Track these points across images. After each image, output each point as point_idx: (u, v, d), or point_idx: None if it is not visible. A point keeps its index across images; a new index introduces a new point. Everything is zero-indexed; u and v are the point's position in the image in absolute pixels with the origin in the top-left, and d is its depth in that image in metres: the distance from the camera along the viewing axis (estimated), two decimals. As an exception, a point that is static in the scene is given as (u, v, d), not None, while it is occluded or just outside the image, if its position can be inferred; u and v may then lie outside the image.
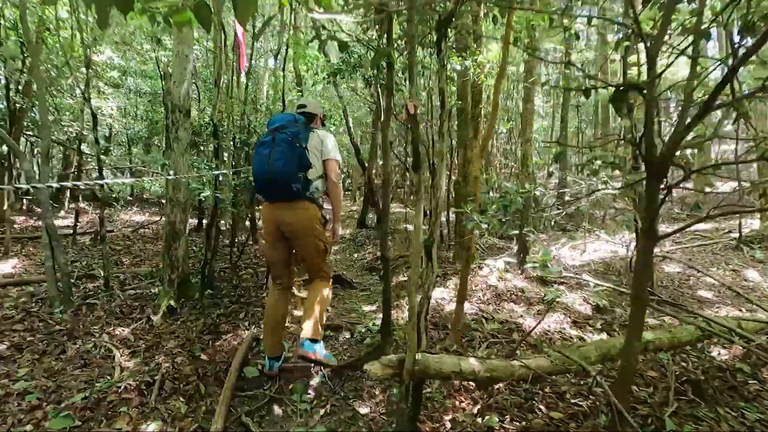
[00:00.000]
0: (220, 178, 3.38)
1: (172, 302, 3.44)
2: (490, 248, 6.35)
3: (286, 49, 3.89)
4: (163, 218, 3.52)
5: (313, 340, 2.40)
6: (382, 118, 2.98)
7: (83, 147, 7.80)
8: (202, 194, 2.93)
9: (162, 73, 4.05)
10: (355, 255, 6.59)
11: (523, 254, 5.83)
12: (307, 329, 2.41)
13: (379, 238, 5.15)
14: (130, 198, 8.10)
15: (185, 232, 3.62)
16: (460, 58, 4.29)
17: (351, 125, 7.94)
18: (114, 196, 8.32)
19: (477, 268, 4.88)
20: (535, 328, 3.08)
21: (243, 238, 5.72)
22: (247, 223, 5.85)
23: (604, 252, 6.13)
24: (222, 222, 4.05)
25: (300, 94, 4.59)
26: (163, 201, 5.53)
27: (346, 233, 8.47)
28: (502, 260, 4.76)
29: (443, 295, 4.15)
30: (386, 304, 2.93)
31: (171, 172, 3.43)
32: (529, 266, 4.84)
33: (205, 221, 5.10)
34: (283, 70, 3.94)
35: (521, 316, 3.66)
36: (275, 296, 2.68)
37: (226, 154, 4.01)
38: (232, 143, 4.62)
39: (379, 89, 4.45)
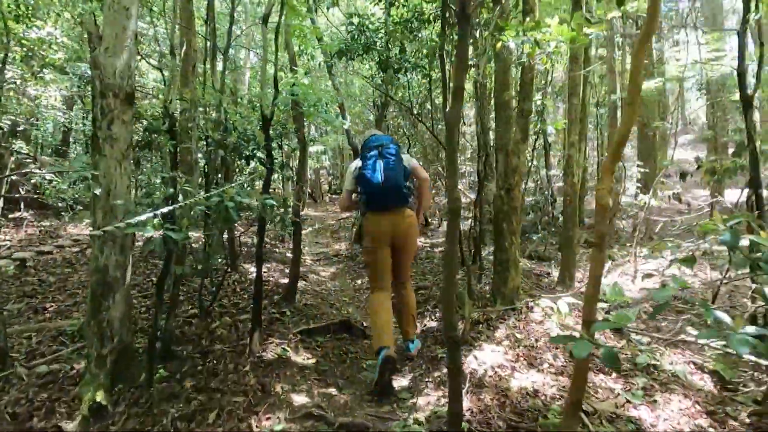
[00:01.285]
0: (180, 200, 2.10)
1: (100, 395, 2.16)
2: (525, 275, 5.21)
3: (281, 9, 2.64)
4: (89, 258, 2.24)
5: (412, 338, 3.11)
6: (449, 109, 1.78)
7: (23, 145, 6.32)
8: (144, 232, 1.67)
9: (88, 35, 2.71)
10: (358, 281, 5.36)
11: (567, 277, 4.73)
12: (411, 331, 3.10)
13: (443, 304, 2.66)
14: (81, 208, 6.65)
15: (125, 282, 2.33)
16: (516, 34, 3.13)
17: (348, 122, 6.70)
18: (64, 203, 6.84)
19: (525, 308, 3.74)
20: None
21: (221, 264, 4.44)
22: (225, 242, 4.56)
23: (659, 277, 5.09)
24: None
25: (295, 76, 3.33)
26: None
27: (341, 248, 7.24)
28: (563, 300, 3.62)
29: (498, 359, 2.97)
30: (455, 394, 1.81)
31: (98, 190, 2.14)
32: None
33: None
34: (276, 38, 2.70)
35: (627, 400, 2.51)
36: (382, 298, 2.95)
37: (200, 160, 2.76)
38: (204, 143, 3.34)
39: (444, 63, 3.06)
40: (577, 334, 3.34)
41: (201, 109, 4.67)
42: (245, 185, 3.24)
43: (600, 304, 3.70)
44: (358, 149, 6.96)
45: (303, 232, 9.81)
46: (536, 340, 3.22)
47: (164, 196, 2.11)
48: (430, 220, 9.13)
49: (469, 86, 8.54)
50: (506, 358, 2.98)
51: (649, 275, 5.20)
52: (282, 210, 2.96)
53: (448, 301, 1.90)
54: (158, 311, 2.22)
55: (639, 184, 7.97)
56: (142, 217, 1.73)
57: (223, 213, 1.94)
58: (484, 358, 2.98)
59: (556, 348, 3.10)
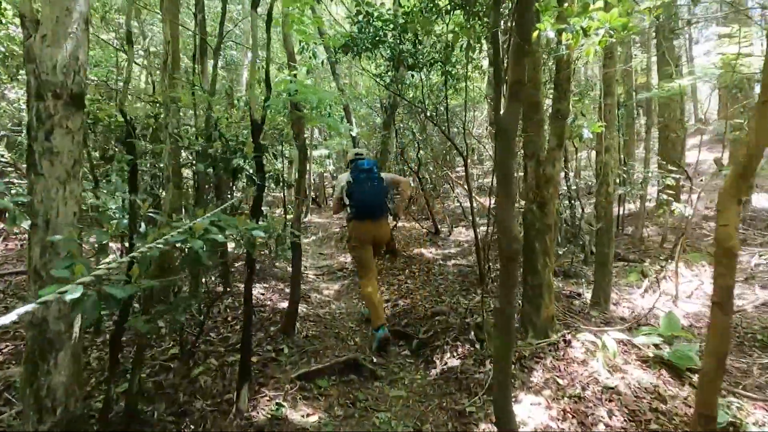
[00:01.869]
0: (134, 240, 1.57)
1: (33, 491, 1.63)
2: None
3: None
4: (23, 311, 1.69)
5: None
6: (504, 111, 1.22)
7: (4, 152, 5.83)
8: (68, 297, 1.13)
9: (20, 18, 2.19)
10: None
11: (602, 299, 4.17)
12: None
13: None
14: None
15: (72, 337, 1.80)
16: (556, 21, 2.59)
17: (355, 128, 6.17)
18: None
19: (562, 343, 3.18)
20: None
21: (213, 288, 3.92)
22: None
23: (702, 297, 4.52)
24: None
25: (294, 75, 2.80)
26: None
27: (346, 261, 6.70)
28: (610, 336, 3.06)
29: (540, 416, 2.41)
30: None
31: (27, 223, 1.62)
32: (642, 339, 3.16)
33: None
34: (268, 24, 2.17)
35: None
36: (372, 283, 3.74)
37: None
38: (190, 155, 2.82)
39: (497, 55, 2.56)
40: (630, 378, 2.78)
41: (190, 113, 4.16)
42: (230, 208, 2.70)
43: (652, 338, 3.14)
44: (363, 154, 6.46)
45: (305, 241, 9.29)
46: (583, 388, 2.66)
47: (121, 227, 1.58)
48: (440, 227, 8.57)
49: (484, 85, 8.03)
50: (551, 415, 2.42)
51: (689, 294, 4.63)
52: (277, 231, 2.42)
53: (503, 388, 1.36)
54: (111, 377, 1.68)
55: (655, 188, 7.37)
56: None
57: (191, 255, 1.41)
58: (524, 414, 2.43)
59: (610, 400, 2.55)
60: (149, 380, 2.50)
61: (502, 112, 1.37)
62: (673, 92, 6.74)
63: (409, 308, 4.26)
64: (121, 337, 1.71)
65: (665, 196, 5.55)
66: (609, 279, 4.20)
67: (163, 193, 1.85)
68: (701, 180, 9.05)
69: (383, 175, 3.80)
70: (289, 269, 6.06)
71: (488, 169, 14.50)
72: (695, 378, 2.87)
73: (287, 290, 4.83)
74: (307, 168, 12.42)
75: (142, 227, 1.66)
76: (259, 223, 2.45)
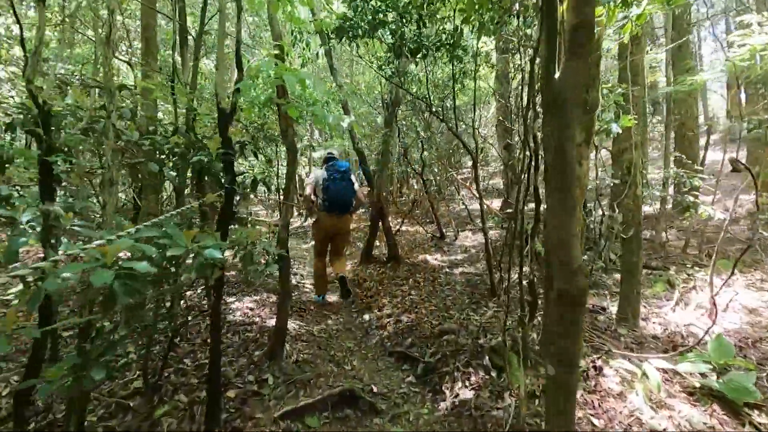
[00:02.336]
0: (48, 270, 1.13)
1: None
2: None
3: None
4: None
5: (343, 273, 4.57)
6: (563, 68, 0.75)
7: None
8: None
9: None
10: (365, 316, 4.36)
11: (630, 314, 3.71)
12: (342, 269, 4.61)
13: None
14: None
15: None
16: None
17: (352, 118, 5.73)
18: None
19: (593, 370, 2.72)
20: None
21: (194, 305, 3.51)
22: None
23: (741, 311, 4.05)
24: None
25: (277, 56, 2.37)
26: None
27: (347, 268, 6.25)
28: (651, 364, 2.59)
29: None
30: None
31: None
32: (687, 367, 2.69)
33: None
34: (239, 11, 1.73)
35: None
36: (322, 261, 4.59)
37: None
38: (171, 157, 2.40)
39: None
40: (679, 417, 2.31)
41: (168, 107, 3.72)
42: (179, 219, 2.26)
43: (698, 366, 2.67)
44: (363, 154, 6.02)
45: (305, 246, 8.85)
46: (621, 427, 2.20)
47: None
48: (445, 232, 8.10)
49: (491, 81, 7.57)
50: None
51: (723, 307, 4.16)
52: (251, 248, 2.00)
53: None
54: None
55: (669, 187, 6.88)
56: None
57: (105, 290, 0.97)
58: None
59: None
60: (100, 424, 2.06)
61: (557, 73, 0.94)
62: (694, 86, 6.27)
63: (413, 324, 3.81)
64: (28, 395, 1.26)
65: (691, 198, 5.07)
66: (638, 291, 3.73)
67: (108, 199, 1.41)
68: (716, 180, 8.53)
69: (353, 178, 4.39)
70: (294, 279, 5.64)
71: (495, 170, 14.01)
72: (755, 415, 2.40)
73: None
74: (298, 168, 11.97)
75: (63, 244, 1.22)
76: (228, 236, 2.01)
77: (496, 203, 10.42)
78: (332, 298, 4.97)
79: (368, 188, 5.86)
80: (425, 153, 6.52)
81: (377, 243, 6.69)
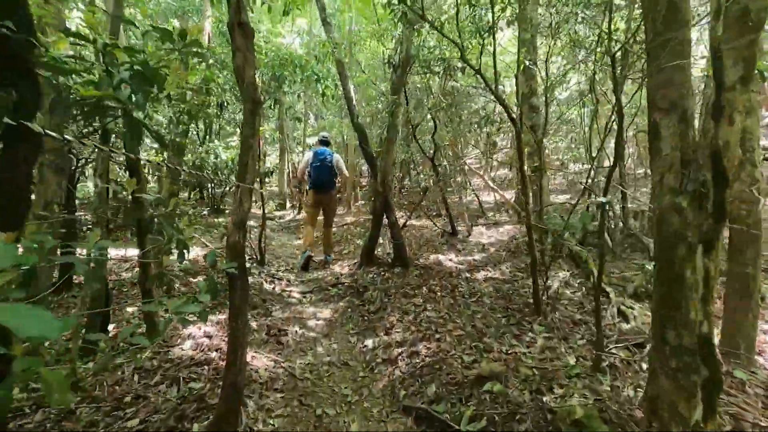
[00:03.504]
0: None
1: None
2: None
3: None
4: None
5: (330, 255, 5.42)
6: None
7: None
8: None
9: None
10: (368, 341, 3.21)
11: (742, 346, 2.61)
12: (329, 250, 5.46)
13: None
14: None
15: None
16: None
17: (353, 94, 4.55)
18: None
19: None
20: None
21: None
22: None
23: None
24: None
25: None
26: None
27: (344, 271, 5.11)
28: None
29: None
30: None
31: None
32: None
33: None
34: None
35: None
36: (311, 229, 5.36)
37: None
38: None
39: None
40: None
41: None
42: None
43: None
44: (364, 132, 4.85)
45: (297, 243, 7.70)
46: None
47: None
48: (456, 226, 6.94)
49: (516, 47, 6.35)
50: None
51: None
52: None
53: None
54: None
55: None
56: None
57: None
58: None
59: None
60: None
61: None
62: None
63: (436, 360, 2.67)
64: None
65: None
66: (755, 315, 2.60)
67: None
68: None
69: (335, 157, 5.12)
70: (272, 287, 4.52)
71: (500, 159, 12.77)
72: None
73: (267, 323, 3.26)
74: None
75: None
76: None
77: (505, 195, 9.25)
78: (326, 312, 3.83)
79: (362, 176, 4.67)
80: (438, 134, 5.33)
81: (380, 240, 5.55)
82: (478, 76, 3.02)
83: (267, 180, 6.20)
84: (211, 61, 3.72)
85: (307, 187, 5.25)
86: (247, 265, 4.48)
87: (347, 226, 8.25)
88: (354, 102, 4.52)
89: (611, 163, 2.95)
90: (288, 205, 10.61)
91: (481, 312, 3.45)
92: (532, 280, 3.25)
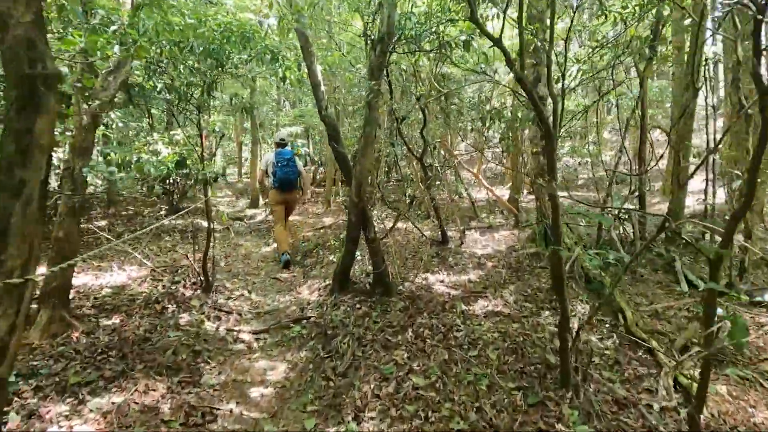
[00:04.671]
0: None
1: None
2: None
3: None
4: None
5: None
6: None
7: None
8: None
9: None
10: (345, 416, 2.24)
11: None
12: (286, 245, 5.31)
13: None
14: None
15: None
16: None
17: (320, 77, 3.49)
18: None
19: None
20: None
21: None
22: None
23: None
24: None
25: None
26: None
27: (312, 298, 4.11)
28: None
29: None
30: None
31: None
32: None
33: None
34: None
35: None
36: (282, 227, 5.31)
37: None
38: None
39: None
40: None
41: None
42: None
43: None
44: (336, 126, 3.80)
45: (266, 250, 6.63)
46: None
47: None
48: (449, 231, 5.99)
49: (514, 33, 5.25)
50: None
51: None
52: None
53: None
54: None
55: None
56: None
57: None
58: None
59: None
60: None
61: None
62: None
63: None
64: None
65: None
66: None
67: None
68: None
69: (297, 161, 5.34)
70: (225, 324, 3.48)
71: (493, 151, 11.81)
72: None
73: (181, 404, 2.25)
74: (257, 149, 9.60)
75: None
76: None
77: (496, 192, 8.33)
78: (281, 367, 2.84)
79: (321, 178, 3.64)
80: (429, 127, 4.32)
81: (358, 255, 4.56)
82: (483, 56, 2.02)
83: (216, 181, 5.09)
84: None
85: (272, 187, 5.23)
86: (188, 293, 3.44)
87: (324, 229, 7.23)
88: (322, 88, 3.47)
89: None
90: (261, 202, 9.51)
91: (487, 378, 2.50)
92: (560, 341, 2.31)
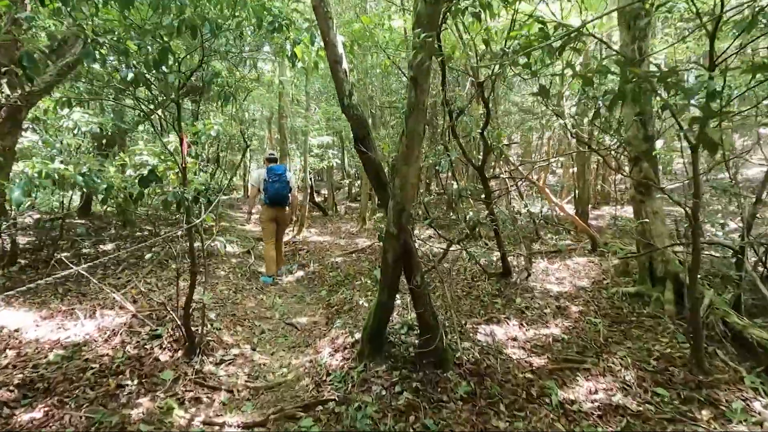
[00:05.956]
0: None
1: None
2: None
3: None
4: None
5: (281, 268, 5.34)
6: None
7: None
8: None
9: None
10: None
11: None
12: (281, 263, 5.31)
13: None
14: None
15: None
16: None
17: (340, 53, 2.36)
18: None
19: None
20: None
21: None
22: None
23: None
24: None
25: None
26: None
27: (331, 366, 2.93)
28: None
29: None
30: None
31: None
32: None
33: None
34: None
35: None
36: (272, 245, 5.09)
37: None
38: None
39: None
40: None
41: None
42: None
43: None
44: (364, 122, 2.66)
45: (288, 279, 5.46)
46: None
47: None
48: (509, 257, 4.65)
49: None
50: None
51: None
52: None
53: None
54: None
55: None
56: None
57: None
58: None
59: None
60: None
61: None
62: None
63: None
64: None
65: None
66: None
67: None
68: None
69: (290, 174, 5.20)
70: (205, 412, 2.36)
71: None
72: None
73: None
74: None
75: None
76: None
77: (575, 217, 6.88)
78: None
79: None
80: (491, 125, 3.06)
81: (400, 305, 3.34)
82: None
83: (210, 203, 3.99)
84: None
85: (264, 203, 5.11)
86: (164, 356, 2.38)
87: (357, 254, 6.07)
88: (344, 65, 2.33)
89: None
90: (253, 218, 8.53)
91: None
92: None
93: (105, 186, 2.34)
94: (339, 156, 9.52)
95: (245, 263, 5.68)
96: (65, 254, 5.05)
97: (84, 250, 5.42)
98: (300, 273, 5.58)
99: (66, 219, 6.23)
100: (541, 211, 6.25)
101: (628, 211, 8.65)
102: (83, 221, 6.87)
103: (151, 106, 2.89)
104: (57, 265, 4.39)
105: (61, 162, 2.47)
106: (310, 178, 8.27)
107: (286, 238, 7.24)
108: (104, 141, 6.68)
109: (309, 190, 8.13)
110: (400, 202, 2.23)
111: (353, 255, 6.08)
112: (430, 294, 2.62)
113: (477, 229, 4.00)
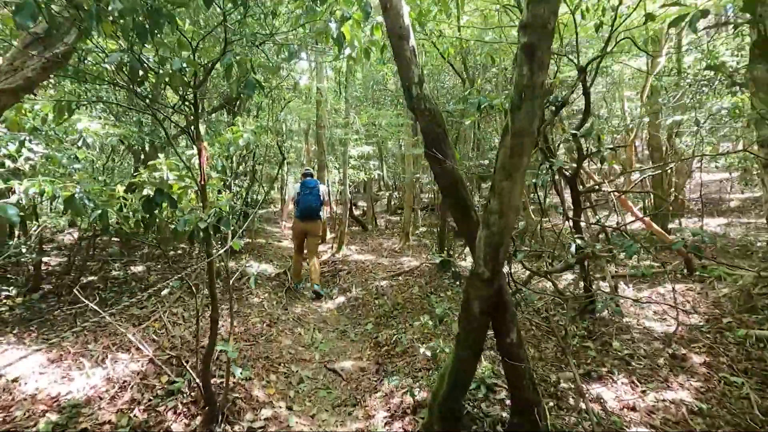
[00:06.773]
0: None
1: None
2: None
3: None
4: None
5: (318, 285, 4.90)
6: None
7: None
8: None
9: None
10: None
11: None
12: (316, 279, 4.89)
13: None
14: None
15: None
16: None
17: (407, 24, 1.70)
18: None
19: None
20: None
21: None
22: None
23: None
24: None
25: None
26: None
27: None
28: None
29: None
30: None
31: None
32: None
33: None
34: None
35: None
36: (299, 257, 5.16)
37: None
38: None
39: None
40: None
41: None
42: None
43: None
44: (435, 113, 2.01)
45: (328, 306, 4.75)
46: None
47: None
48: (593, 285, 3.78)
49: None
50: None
51: None
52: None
53: None
54: None
55: None
56: None
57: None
58: None
59: None
60: None
61: None
62: None
63: None
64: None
65: None
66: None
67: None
68: None
69: (322, 188, 5.21)
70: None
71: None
72: None
73: None
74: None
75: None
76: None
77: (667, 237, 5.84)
78: None
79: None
80: (596, 124, 2.30)
81: (486, 364, 2.61)
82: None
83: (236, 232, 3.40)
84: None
85: (295, 215, 5.19)
86: (177, 426, 1.78)
87: (404, 277, 5.36)
88: (411, 42, 1.67)
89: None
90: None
91: None
92: None
93: (99, 212, 1.78)
94: (378, 166, 8.90)
95: (282, 285, 5.11)
96: (92, 278, 4.66)
97: (114, 273, 5.04)
98: (341, 299, 4.93)
99: (100, 237, 5.94)
100: (623, 226, 5.29)
101: (710, 224, 7.46)
102: (119, 238, 6.58)
103: (170, 110, 2.34)
104: (78, 293, 3.99)
105: (55, 180, 1.94)
106: (349, 191, 7.67)
107: (324, 257, 6.65)
108: (142, 156, 6.38)
109: (348, 204, 7.53)
110: (498, 232, 1.51)
111: (399, 278, 5.37)
112: (529, 359, 1.87)
113: (586, 259, 3.17)
